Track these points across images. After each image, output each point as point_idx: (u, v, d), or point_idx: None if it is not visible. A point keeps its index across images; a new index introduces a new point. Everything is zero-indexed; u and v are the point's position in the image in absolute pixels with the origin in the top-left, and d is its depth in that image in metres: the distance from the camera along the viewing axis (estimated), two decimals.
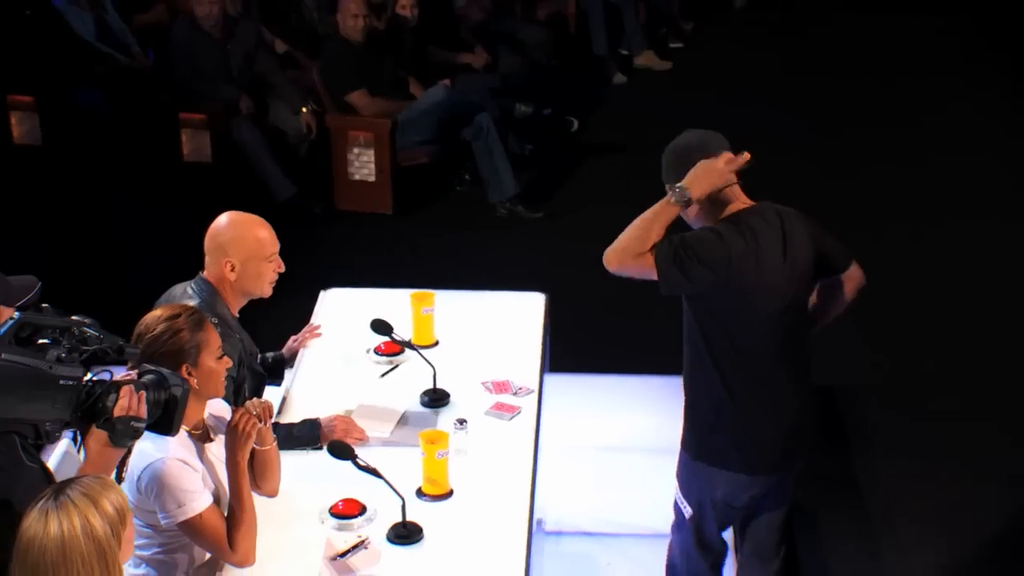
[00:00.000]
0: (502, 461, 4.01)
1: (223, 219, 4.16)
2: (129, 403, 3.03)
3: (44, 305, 3.10)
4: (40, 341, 2.99)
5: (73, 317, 3.10)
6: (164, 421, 3.17)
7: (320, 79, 8.03)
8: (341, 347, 4.62)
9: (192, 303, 4.03)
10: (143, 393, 3.09)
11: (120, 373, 3.15)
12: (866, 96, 9.53)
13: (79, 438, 3.43)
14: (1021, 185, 8.09)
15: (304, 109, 8.01)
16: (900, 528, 5.24)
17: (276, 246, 4.16)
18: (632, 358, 5.94)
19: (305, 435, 4.05)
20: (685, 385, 3.97)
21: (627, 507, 4.82)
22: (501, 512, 3.79)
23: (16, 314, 3.02)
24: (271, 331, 4.82)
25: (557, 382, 4.71)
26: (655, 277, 3.71)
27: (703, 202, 3.76)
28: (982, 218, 7.73)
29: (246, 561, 3.52)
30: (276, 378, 4.49)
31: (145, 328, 3.49)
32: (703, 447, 3.92)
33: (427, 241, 7.51)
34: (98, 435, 3.08)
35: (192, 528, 3.47)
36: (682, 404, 3.98)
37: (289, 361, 4.58)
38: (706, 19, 11.29)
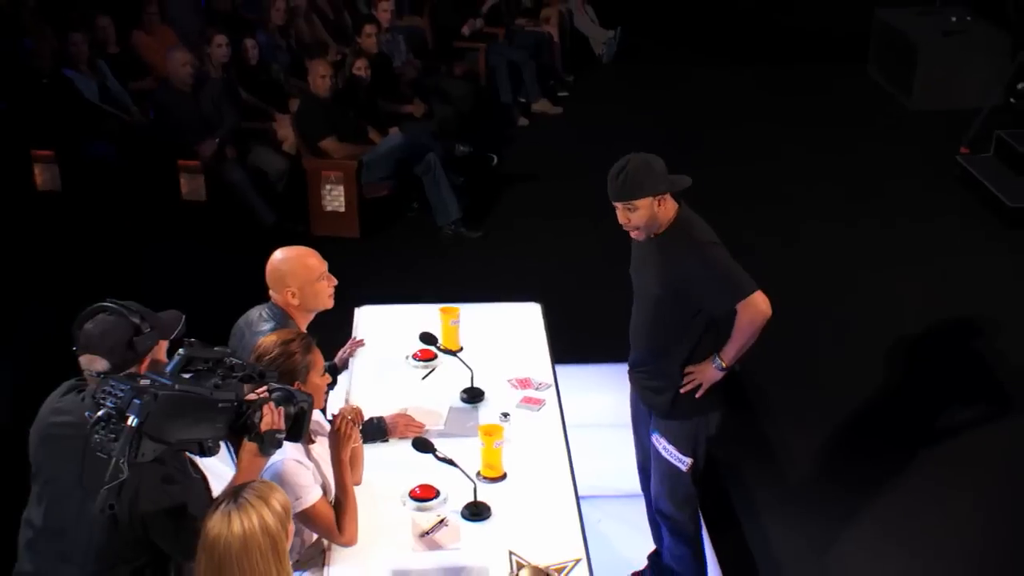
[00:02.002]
0: (540, 446, 3.88)
1: (278, 254, 3.94)
2: (272, 419, 2.87)
3: (192, 340, 2.89)
4: (196, 370, 2.81)
5: (216, 348, 2.92)
6: (295, 431, 3.01)
7: (296, 128, 7.78)
8: (383, 355, 4.43)
9: (267, 325, 3.83)
10: (281, 409, 2.92)
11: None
12: (718, 135, 9.61)
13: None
14: (854, 198, 8.26)
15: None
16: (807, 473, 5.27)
17: (324, 266, 3.95)
18: (571, 348, 5.82)
19: (374, 430, 3.88)
20: (658, 368, 3.89)
21: (606, 474, 4.72)
22: (549, 488, 3.67)
23: (181, 350, 2.82)
24: None
25: None
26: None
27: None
28: (831, 223, 7.85)
29: (351, 541, 3.36)
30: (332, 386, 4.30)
31: (264, 350, 3.29)
32: (693, 405, 3.87)
33: (389, 258, 7.37)
34: (249, 447, 2.91)
35: (307, 517, 3.29)
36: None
37: (339, 369, 4.39)
38: (582, 72, 11.26)
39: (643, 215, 3.68)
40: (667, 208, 3.72)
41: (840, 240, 7.61)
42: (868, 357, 6.21)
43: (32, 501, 2.99)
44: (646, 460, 4.17)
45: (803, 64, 11.35)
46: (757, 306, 3.70)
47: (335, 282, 3.97)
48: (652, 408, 3.99)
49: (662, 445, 3.96)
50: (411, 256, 7.49)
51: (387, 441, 3.86)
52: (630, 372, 4.08)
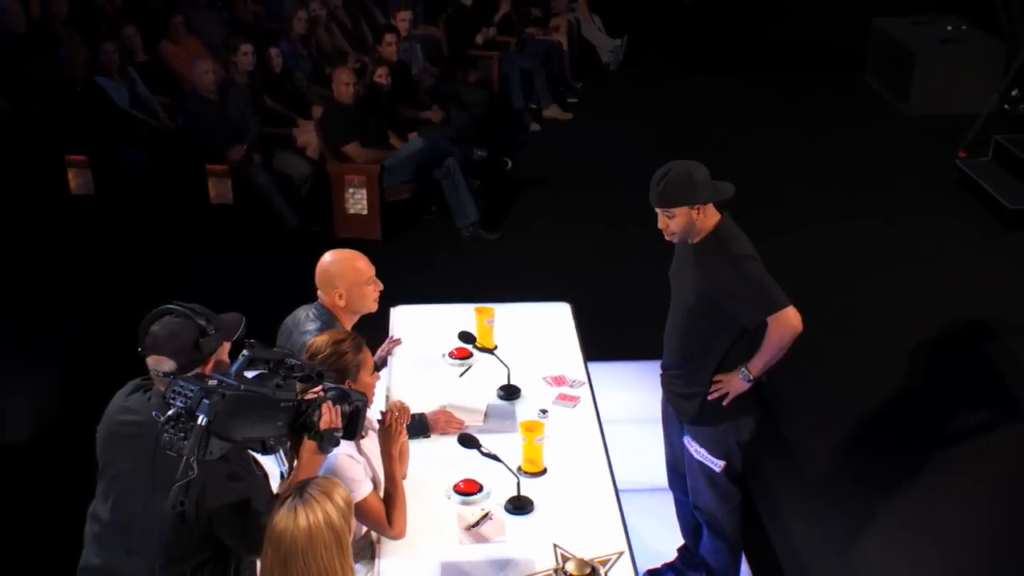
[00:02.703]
0: (577, 442, 3.86)
1: (328, 257, 3.93)
2: (330, 418, 2.86)
3: (253, 341, 2.88)
4: (259, 371, 2.80)
5: (275, 349, 2.92)
6: (350, 429, 3.00)
7: (320, 134, 7.76)
8: (420, 353, 4.41)
9: (313, 325, 3.82)
10: (338, 408, 2.91)
11: None
12: (719, 140, 9.60)
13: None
14: (856, 200, 8.25)
15: None
16: (824, 471, 5.25)
17: (372, 270, 3.94)
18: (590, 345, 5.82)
19: (416, 427, 3.86)
20: (688, 375, 3.86)
21: (635, 468, 4.67)
22: (588, 483, 3.65)
23: (244, 351, 2.80)
24: None
25: None
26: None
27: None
28: (834, 224, 7.84)
29: (401, 534, 3.34)
30: None
31: (316, 349, 3.28)
32: (721, 412, 3.84)
33: (411, 259, 7.34)
34: (308, 445, 2.89)
35: (359, 511, 3.26)
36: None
37: (378, 367, 4.36)
38: (590, 79, 11.25)
39: (681, 222, 3.66)
40: (707, 216, 3.68)
41: (842, 241, 7.59)
42: (873, 357, 6.19)
43: (98, 496, 2.98)
44: (676, 459, 4.15)
45: (803, 72, 11.34)
46: (788, 321, 3.66)
47: (381, 287, 3.95)
48: (681, 413, 3.95)
49: (694, 448, 3.93)
50: (432, 257, 7.47)
51: (429, 437, 3.85)
52: (662, 375, 4.06)
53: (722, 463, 3.91)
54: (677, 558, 4.35)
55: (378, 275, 3.97)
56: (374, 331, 4.59)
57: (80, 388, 5.63)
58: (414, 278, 6.96)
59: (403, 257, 7.37)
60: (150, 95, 8.10)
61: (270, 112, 8.19)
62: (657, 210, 3.69)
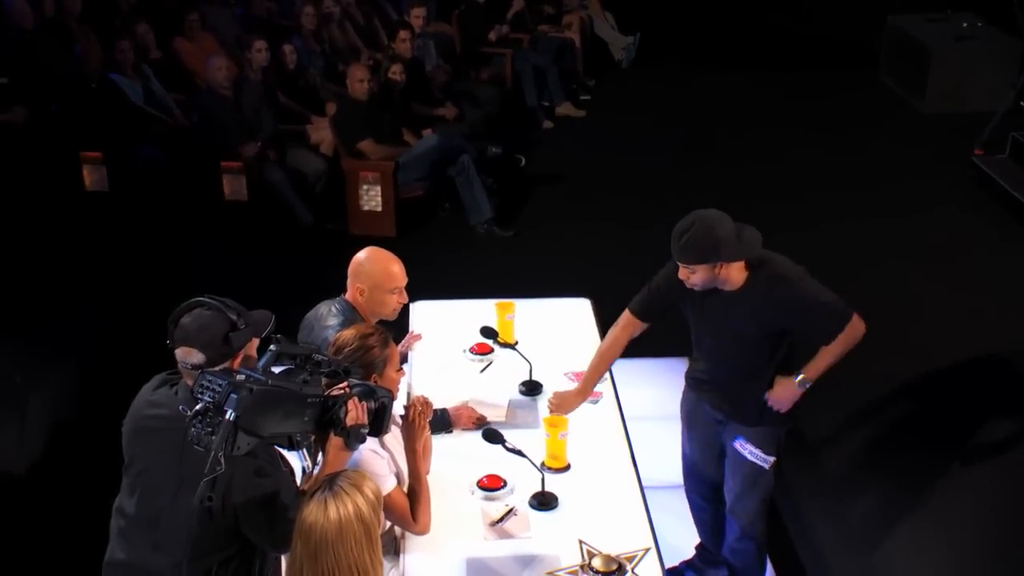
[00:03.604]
0: (600, 438, 3.85)
1: (364, 251, 3.89)
2: (357, 414, 2.83)
3: (279, 336, 2.87)
4: (286, 366, 2.78)
5: (302, 344, 2.90)
6: (376, 425, 2.96)
7: (335, 131, 7.75)
8: (440, 349, 4.40)
9: (335, 320, 3.80)
10: (364, 404, 2.88)
11: None
12: (733, 138, 9.57)
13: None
14: (871, 197, 8.22)
15: None
16: (844, 468, 5.22)
17: (403, 281, 3.86)
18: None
19: (438, 422, 3.84)
20: (748, 387, 3.82)
21: (654, 465, 4.64)
22: (613, 479, 3.64)
23: (271, 346, 2.79)
24: None
25: None
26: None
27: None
28: (848, 221, 7.81)
29: (425, 530, 3.32)
30: None
31: (343, 343, 3.26)
32: (780, 414, 3.84)
33: (426, 256, 7.31)
34: (335, 441, 2.87)
35: (383, 505, 3.24)
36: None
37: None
38: (603, 77, 11.23)
39: (701, 276, 3.58)
40: (731, 270, 3.59)
41: (857, 239, 7.54)
42: (891, 355, 6.12)
43: (124, 491, 2.96)
44: (704, 463, 4.10)
45: (817, 70, 11.29)
46: (856, 327, 3.71)
47: (405, 300, 3.88)
48: (735, 418, 3.88)
49: (748, 450, 3.88)
50: (447, 254, 7.44)
51: (451, 432, 3.83)
52: (702, 384, 3.96)
53: (772, 459, 3.89)
54: (696, 556, 4.32)
55: None
56: (394, 327, 4.54)
57: (97, 384, 5.62)
58: (429, 275, 6.86)
59: (418, 254, 7.28)
60: (164, 92, 8.09)
61: (284, 109, 8.18)
62: (678, 263, 3.62)
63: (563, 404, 3.82)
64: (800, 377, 3.73)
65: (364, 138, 7.61)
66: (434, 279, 6.73)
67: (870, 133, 9.57)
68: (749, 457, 3.88)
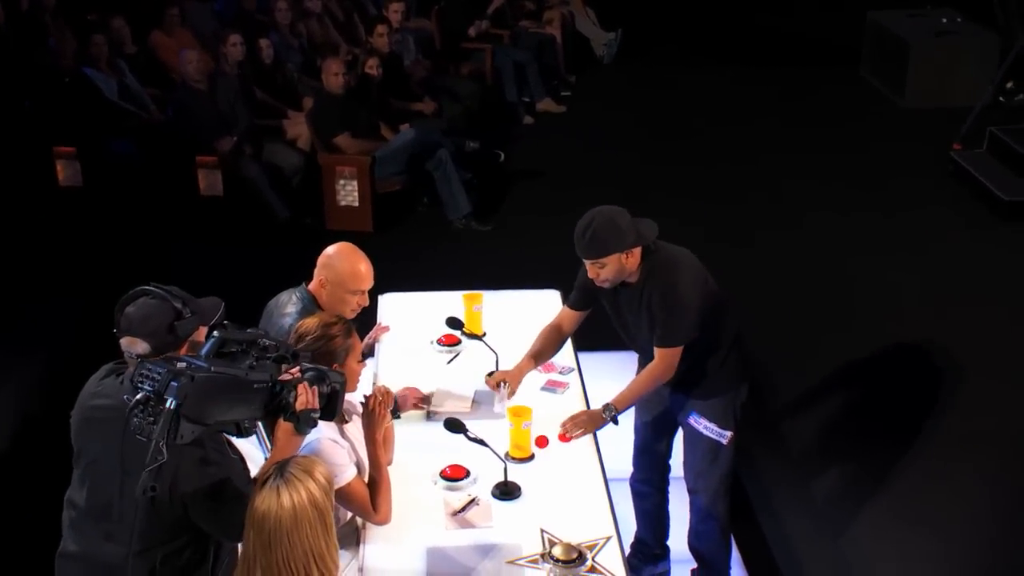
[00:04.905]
0: None
1: (337, 245, 3.81)
2: (307, 398, 2.79)
3: (226, 323, 2.83)
4: (230, 351, 2.73)
5: (249, 330, 2.85)
6: (328, 410, 2.91)
7: (311, 125, 7.72)
8: (408, 341, 4.37)
9: (293, 308, 3.77)
10: (315, 388, 2.84)
11: None
12: (714, 134, 9.57)
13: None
14: (851, 192, 8.21)
15: None
16: (818, 461, 5.22)
17: (368, 284, 3.78)
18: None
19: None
20: (694, 367, 3.81)
21: (623, 457, 4.61)
22: (576, 469, 3.61)
23: (215, 332, 2.74)
24: None
25: None
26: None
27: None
28: (829, 216, 7.81)
29: (386, 520, 3.29)
30: None
31: (305, 331, 3.23)
32: (727, 380, 3.86)
33: (403, 251, 7.28)
34: (284, 426, 2.82)
35: (343, 496, 3.21)
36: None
37: (366, 354, 4.29)
38: (584, 73, 11.21)
39: (612, 269, 3.61)
40: (634, 258, 3.64)
41: (837, 232, 7.55)
42: (869, 348, 6.15)
43: (75, 483, 2.93)
44: (649, 438, 4.11)
45: (797, 67, 11.28)
46: (668, 363, 3.68)
47: (366, 303, 3.81)
48: (690, 395, 3.89)
49: (703, 425, 3.88)
50: (424, 249, 7.42)
51: (399, 417, 3.77)
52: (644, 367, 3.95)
53: (729, 434, 3.89)
54: (630, 553, 4.21)
55: (372, 267, 3.84)
56: (362, 318, 4.53)
57: (68, 380, 5.54)
58: (405, 269, 6.90)
59: (396, 249, 7.30)
60: (140, 87, 8.05)
61: (261, 104, 8.14)
62: (586, 261, 3.63)
63: (505, 376, 3.79)
64: (605, 404, 3.71)
65: (340, 132, 7.58)
66: (411, 272, 6.72)
67: (850, 129, 9.56)
68: (705, 432, 3.88)
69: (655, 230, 3.69)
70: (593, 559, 3.16)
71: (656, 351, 3.68)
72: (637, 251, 3.63)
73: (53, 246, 7.20)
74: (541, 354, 3.90)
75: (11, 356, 5.97)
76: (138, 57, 8.30)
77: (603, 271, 3.61)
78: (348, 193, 7.61)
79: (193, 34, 8.59)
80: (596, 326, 5.60)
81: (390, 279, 6.23)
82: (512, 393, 3.78)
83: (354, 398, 3.47)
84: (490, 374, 3.96)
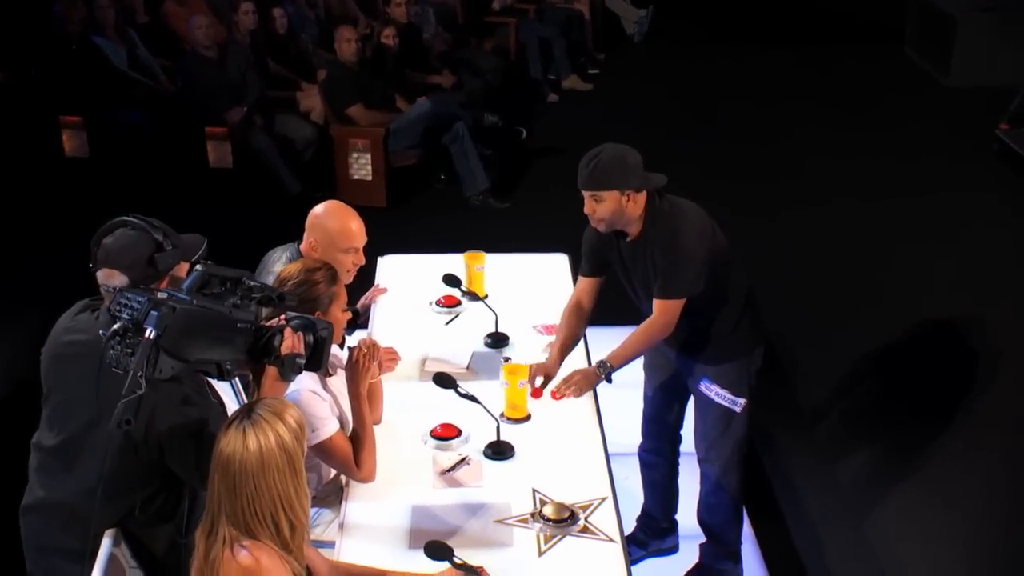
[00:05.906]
0: None
1: (324, 203, 3.71)
2: (292, 343, 2.75)
3: (207, 260, 2.79)
4: (213, 291, 2.69)
5: (234, 269, 2.81)
6: (314, 359, 2.87)
7: (323, 96, 7.71)
8: (406, 302, 4.33)
9: (284, 260, 3.74)
10: (300, 334, 2.80)
11: None
12: (749, 113, 9.46)
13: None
14: (892, 172, 8.10)
15: None
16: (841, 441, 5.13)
17: (361, 241, 3.66)
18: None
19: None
20: (704, 328, 3.74)
21: (631, 432, 4.55)
22: (574, 430, 3.55)
23: (198, 266, 2.71)
24: None
25: None
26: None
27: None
28: (869, 196, 7.70)
29: (369, 477, 3.25)
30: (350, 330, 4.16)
31: (287, 276, 3.19)
32: (740, 343, 3.78)
33: (416, 227, 7.25)
34: (269, 371, 2.79)
35: (324, 450, 3.19)
36: None
37: (361, 316, 4.28)
38: (613, 51, 11.14)
39: (609, 207, 3.51)
40: (636, 206, 3.54)
41: (874, 212, 7.44)
42: (898, 324, 6.06)
43: (43, 425, 2.90)
44: (659, 405, 4.04)
45: (838, 44, 11.16)
46: (668, 317, 3.57)
47: (362, 262, 3.70)
48: (699, 359, 3.81)
49: (714, 391, 3.80)
50: (438, 225, 7.35)
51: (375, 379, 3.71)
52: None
53: (743, 401, 3.80)
54: (637, 528, 4.16)
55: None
56: (359, 281, 4.51)
57: None
58: (420, 245, 6.80)
59: (409, 225, 7.29)
60: (150, 57, 8.07)
61: (274, 75, 8.15)
62: (584, 193, 3.55)
63: (544, 370, 3.65)
64: (599, 361, 3.60)
65: (353, 103, 7.55)
66: (423, 246, 6.65)
67: (892, 107, 9.44)
68: (716, 399, 3.79)
69: (663, 180, 3.62)
70: (586, 519, 3.11)
71: (655, 303, 3.59)
72: (641, 199, 3.55)
73: (58, 218, 7.21)
74: (568, 341, 3.76)
75: (12, 329, 5.98)
76: (151, 27, 8.34)
77: (599, 207, 3.52)
78: (361, 167, 7.59)
79: (206, 3, 8.60)
80: (610, 302, 5.56)
81: (400, 251, 6.22)
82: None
83: (339, 350, 3.44)
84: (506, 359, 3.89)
